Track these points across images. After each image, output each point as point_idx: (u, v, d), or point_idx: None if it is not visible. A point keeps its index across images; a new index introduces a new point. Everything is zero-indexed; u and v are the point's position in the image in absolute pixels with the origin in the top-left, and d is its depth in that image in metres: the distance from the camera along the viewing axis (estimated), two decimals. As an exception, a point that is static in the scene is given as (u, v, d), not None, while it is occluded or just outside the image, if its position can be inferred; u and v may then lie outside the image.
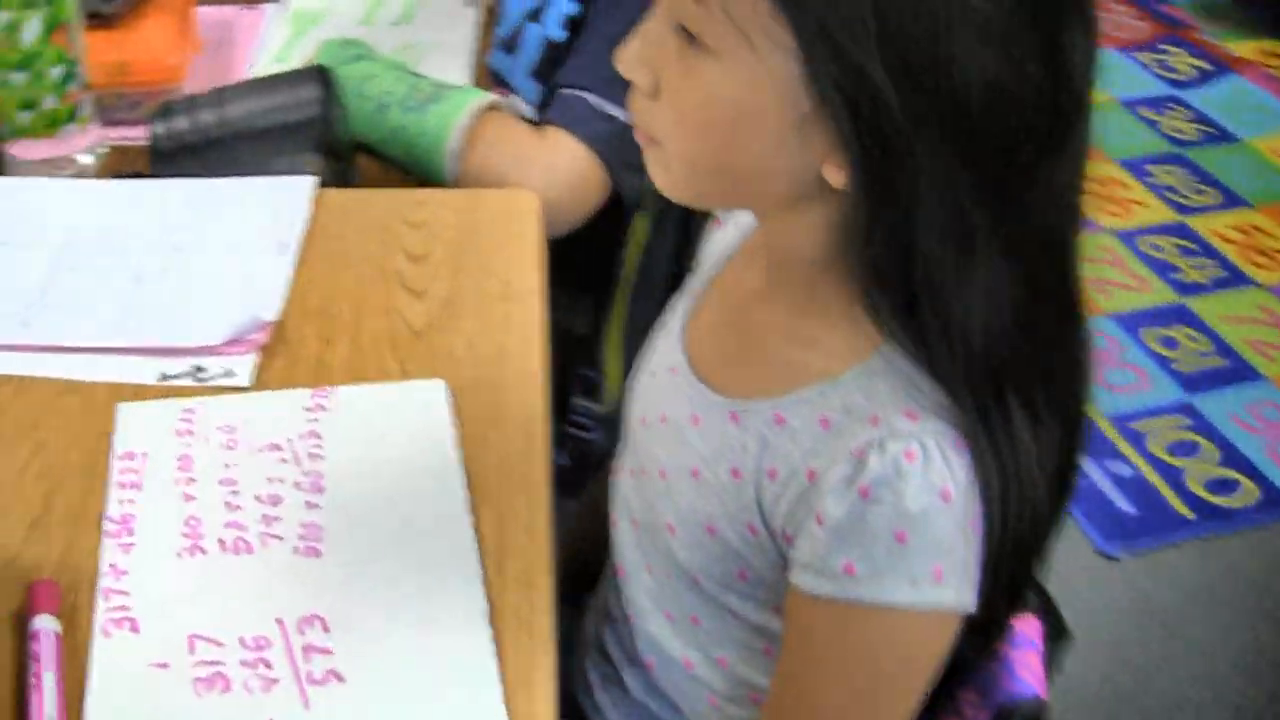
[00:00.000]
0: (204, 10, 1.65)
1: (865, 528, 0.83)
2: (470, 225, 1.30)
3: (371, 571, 0.98)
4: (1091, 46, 0.80)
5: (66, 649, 0.92)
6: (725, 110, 0.83)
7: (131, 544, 1.00)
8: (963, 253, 0.80)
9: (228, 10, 1.68)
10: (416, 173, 1.40)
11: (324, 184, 1.33)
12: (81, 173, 1.39)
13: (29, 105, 1.35)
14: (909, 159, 0.77)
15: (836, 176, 0.81)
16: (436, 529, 1.01)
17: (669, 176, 0.88)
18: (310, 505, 1.03)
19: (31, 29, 1.30)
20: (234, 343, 1.16)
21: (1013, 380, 0.85)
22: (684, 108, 0.85)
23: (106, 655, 0.93)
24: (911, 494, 0.82)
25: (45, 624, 0.93)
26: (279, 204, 1.31)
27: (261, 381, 1.14)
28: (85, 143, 1.39)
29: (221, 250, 1.26)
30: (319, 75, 1.31)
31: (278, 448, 1.08)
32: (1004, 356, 0.83)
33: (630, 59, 0.86)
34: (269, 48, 1.61)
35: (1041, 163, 0.80)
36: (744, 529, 0.94)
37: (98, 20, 1.50)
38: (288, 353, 1.16)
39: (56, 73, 1.34)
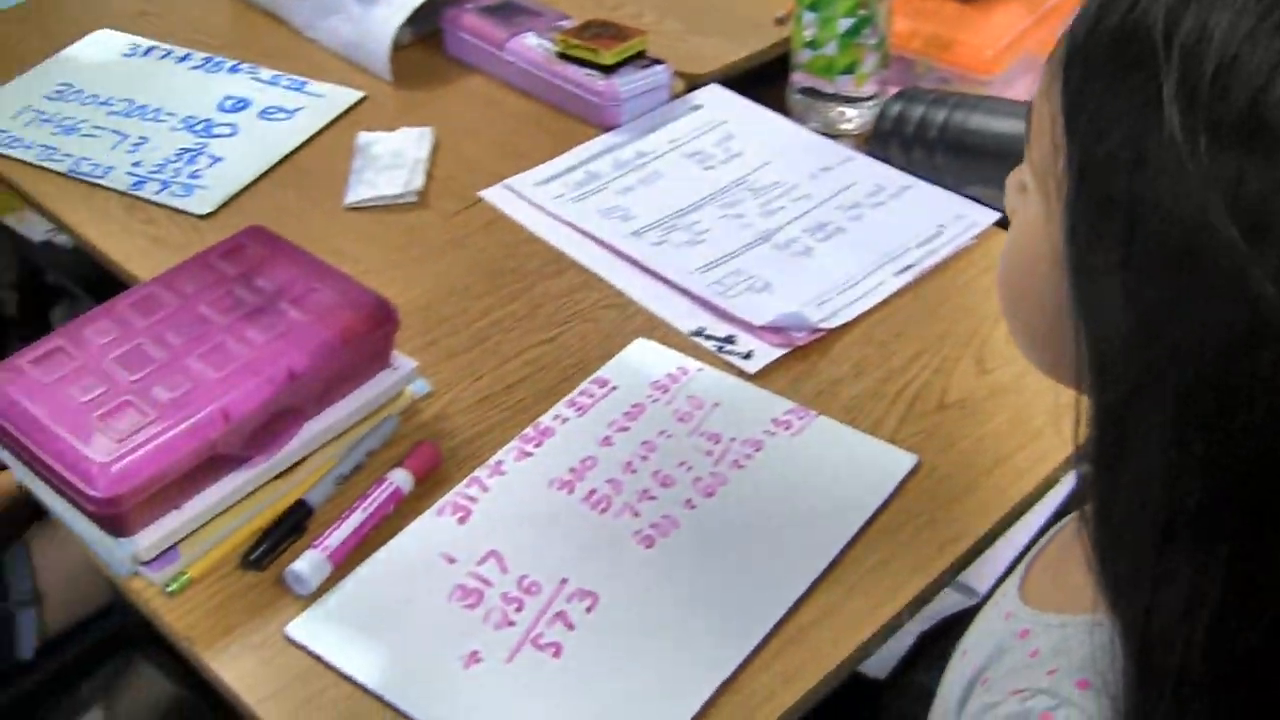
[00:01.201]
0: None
1: None
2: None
3: (669, 587, 1.08)
4: None
5: (409, 508, 1.14)
6: (1017, 260, 0.83)
7: (529, 454, 1.19)
8: (1165, 541, 0.73)
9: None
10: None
11: (1006, 224, 1.38)
12: (839, 120, 1.56)
13: (813, 45, 1.54)
14: (1121, 403, 0.72)
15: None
16: (762, 584, 1.07)
17: None
18: (688, 504, 1.15)
19: (832, -26, 1.49)
20: (775, 330, 1.28)
21: (1209, 707, 0.76)
22: (1007, 242, 0.85)
23: (424, 527, 1.13)
24: None
25: (395, 476, 1.15)
26: (947, 224, 1.39)
27: (765, 375, 1.25)
28: (857, 94, 1.56)
29: (857, 245, 1.38)
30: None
31: (717, 440, 1.20)
32: (1197, 676, 0.75)
33: (1010, 176, 0.87)
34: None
35: None
36: None
37: (959, -9, 1.65)
38: (812, 364, 1.26)
39: (845, 24, 1.51)
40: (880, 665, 1.27)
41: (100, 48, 1.69)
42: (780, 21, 1.67)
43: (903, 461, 1.17)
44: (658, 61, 1.53)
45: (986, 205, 1.39)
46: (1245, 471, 0.69)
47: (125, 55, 1.68)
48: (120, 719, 1.58)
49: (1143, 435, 0.71)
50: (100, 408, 1.06)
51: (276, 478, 1.13)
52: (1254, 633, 0.72)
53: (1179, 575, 0.72)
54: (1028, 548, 1.26)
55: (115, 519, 1.04)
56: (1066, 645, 0.83)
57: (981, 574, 1.29)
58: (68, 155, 1.50)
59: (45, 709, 1.57)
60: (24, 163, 1.51)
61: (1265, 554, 0.70)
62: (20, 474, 1.12)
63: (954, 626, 1.30)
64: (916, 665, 1.31)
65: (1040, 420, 1.19)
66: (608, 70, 1.50)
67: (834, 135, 1.55)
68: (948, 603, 1.29)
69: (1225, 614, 0.71)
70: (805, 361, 1.26)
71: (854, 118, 1.56)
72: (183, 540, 1.08)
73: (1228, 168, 0.66)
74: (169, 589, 1.07)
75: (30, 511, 1.43)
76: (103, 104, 1.59)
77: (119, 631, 1.58)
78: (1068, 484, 1.22)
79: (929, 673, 1.31)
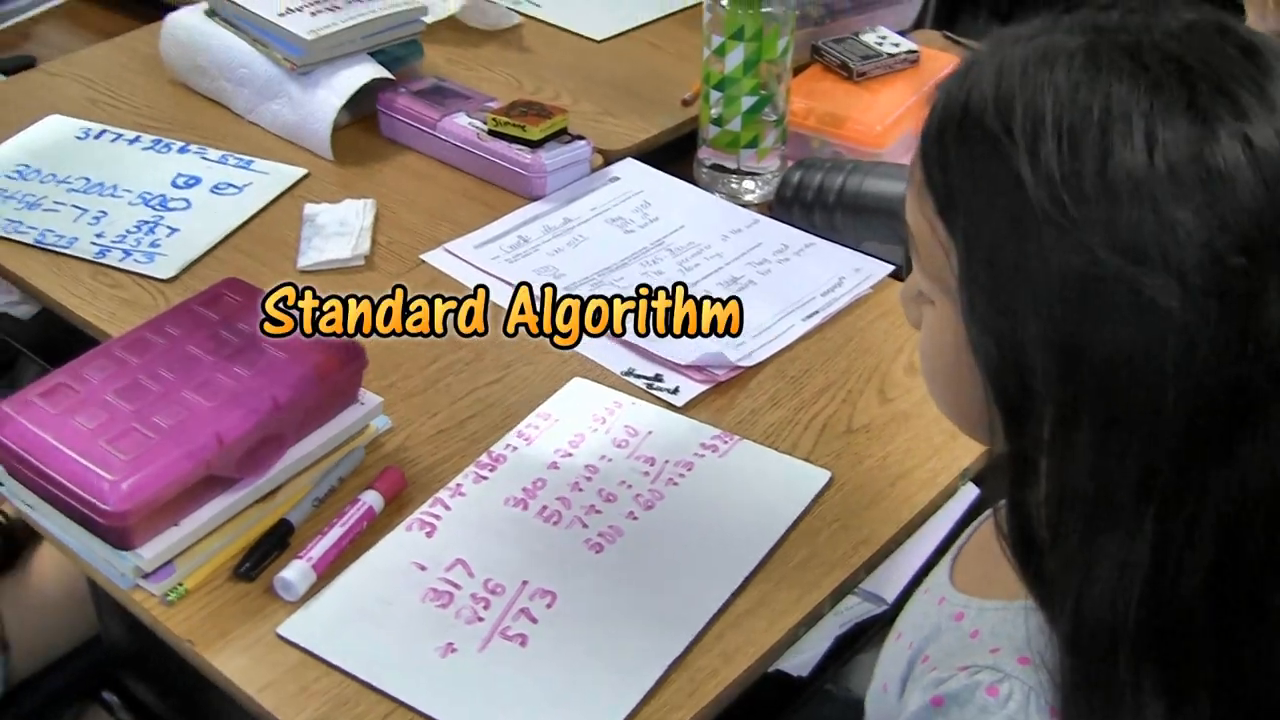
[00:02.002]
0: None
1: None
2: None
3: (620, 585, 1.23)
4: None
5: (379, 525, 1.29)
6: (933, 356, 0.96)
7: (485, 478, 1.34)
8: (1092, 533, 0.84)
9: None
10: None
11: (899, 276, 1.57)
12: (743, 193, 1.75)
13: (718, 121, 1.73)
14: (1043, 437, 0.84)
15: None
16: (702, 580, 1.23)
17: None
18: (630, 515, 1.30)
19: (734, 58, 1.68)
20: (698, 369, 1.46)
21: (1148, 662, 0.86)
22: (921, 344, 0.98)
23: (395, 540, 1.27)
24: None
25: (368, 496, 1.30)
26: (846, 276, 1.58)
27: (691, 408, 1.42)
28: (759, 169, 1.75)
29: (767, 296, 1.55)
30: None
31: (652, 462, 1.36)
32: (1134, 637, 0.85)
33: (902, 290, 1.00)
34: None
35: (1221, 439, 0.81)
36: (895, 697, 1.08)
37: (846, 73, 1.85)
38: (732, 395, 1.43)
39: (748, 101, 1.70)
40: (800, 667, 1.43)
41: (54, 132, 1.83)
42: (686, 103, 1.86)
43: (817, 477, 1.34)
44: (579, 137, 1.71)
45: (881, 259, 1.57)
46: (1165, 451, 0.81)
47: (78, 138, 1.82)
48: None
49: (1062, 457, 0.83)
50: (106, 433, 1.20)
51: (260, 500, 1.27)
52: (1182, 591, 0.83)
53: (1108, 558, 0.83)
54: (933, 554, 1.44)
55: (123, 532, 1.17)
56: (1005, 628, 0.96)
57: (889, 584, 1.46)
58: (33, 228, 1.64)
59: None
60: (-8, 237, 1.64)
61: (1186, 519, 0.82)
62: (20, 503, 1.25)
63: (867, 630, 1.47)
64: (827, 671, 1.47)
65: (936, 441, 1.37)
66: (534, 145, 1.68)
67: (738, 205, 1.73)
68: (860, 610, 1.46)
69: (1155, 578, 0.83)
70: (726, 395, 1.43)
71: (755, 189, 1.74)
72: (179, 555, 1.22)
73: (1099, 216, 0.78)
74: (168, 598, 1.20)
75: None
76: (61, 182, 1.72)
77: (82, 677, 1.69)
78: (964, 496, 1.41)
79: (835, 681, 1.48)
